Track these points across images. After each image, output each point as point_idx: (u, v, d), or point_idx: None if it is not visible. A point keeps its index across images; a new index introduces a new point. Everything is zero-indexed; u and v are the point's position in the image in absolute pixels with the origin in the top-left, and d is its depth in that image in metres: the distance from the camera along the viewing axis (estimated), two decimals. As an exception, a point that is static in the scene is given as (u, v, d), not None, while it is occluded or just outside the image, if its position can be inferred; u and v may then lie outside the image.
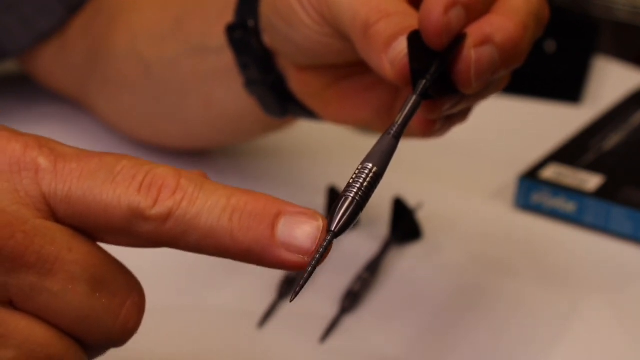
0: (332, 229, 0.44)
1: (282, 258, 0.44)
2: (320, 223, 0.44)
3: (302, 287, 0.44)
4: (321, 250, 0.44)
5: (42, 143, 0.44)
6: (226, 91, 0.71)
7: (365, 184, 0.45)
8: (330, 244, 0.44)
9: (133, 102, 0.78)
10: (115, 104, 0.80)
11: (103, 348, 0.46)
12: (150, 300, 0.64)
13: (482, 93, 0.56)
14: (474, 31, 0.52)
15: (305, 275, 0.44)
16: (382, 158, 0.46)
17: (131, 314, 0.45)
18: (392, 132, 0.47)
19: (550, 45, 1.03)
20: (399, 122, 0.48)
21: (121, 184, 0.43)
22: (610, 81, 1.03)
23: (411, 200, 0.74)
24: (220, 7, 0.69)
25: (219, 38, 0.68)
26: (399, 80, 0.54)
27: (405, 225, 0.72)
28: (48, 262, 0.43)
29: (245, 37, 0.66)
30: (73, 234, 0.44)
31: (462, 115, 0.60)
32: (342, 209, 0.44)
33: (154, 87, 0.75)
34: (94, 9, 0.79)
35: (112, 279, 0.44)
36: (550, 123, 0.95)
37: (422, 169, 0.83)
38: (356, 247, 0.71)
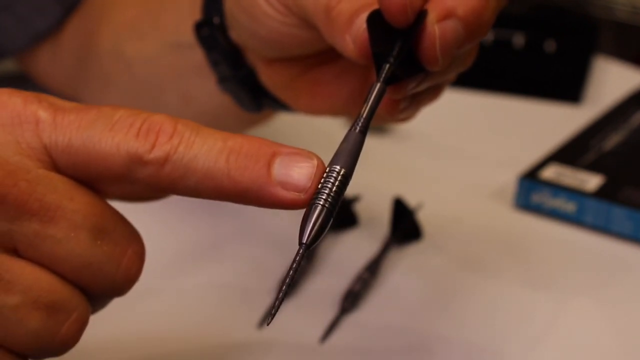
0: (304, 241, 0.44)
1: (279, 196, 0.45)
2: (315, 162, 0.45)
3: (277, 308, 0.44)
4: (294, 265, 0.44)
5: (41, 98, 0.46)
6: (202, 87, 0.70)
7: (334, 188, 0.45)
8: (302, 256, 0.44)
9: (118, 101, 0.78)
10: (103, 103, 0.79)
11: (106, 297, 0.48)
12: (150, 300, 0.64)
13: (448, 70, 0.55)
14: (436, 6, 0.51)
15: (281, 295, 0.44)
16: (349, 157, 0.46)
17: (133, 262, 0.46)
18: (358, 126, 0.47)
19: (550, 45, 1.03)
20: (364, 116, 0.47)
21: (119, 131, 0.45)
22: (610, 81, 1.03)
23: (411, 200, 0.74)
24: (191, 3, 0.68)
25: (191, 34, 0.67)
26: (362, 57, 0.53)
27: (405, 226, 0.72)
28: (50, 209, 0.44)
29: (213, 34, 0.65)
30: (74, 184, 0.45)
31: (432, 95, 0.58)
32: (312, 218, 0.44)
33: (136, 84, 0.75)
34: (86, 8, 0.80)
35: (113, 228, 0.46)
36: (550, 123, 0.95)
37: (422, 169, 0.83)
38: (356, 247, 0.71)
